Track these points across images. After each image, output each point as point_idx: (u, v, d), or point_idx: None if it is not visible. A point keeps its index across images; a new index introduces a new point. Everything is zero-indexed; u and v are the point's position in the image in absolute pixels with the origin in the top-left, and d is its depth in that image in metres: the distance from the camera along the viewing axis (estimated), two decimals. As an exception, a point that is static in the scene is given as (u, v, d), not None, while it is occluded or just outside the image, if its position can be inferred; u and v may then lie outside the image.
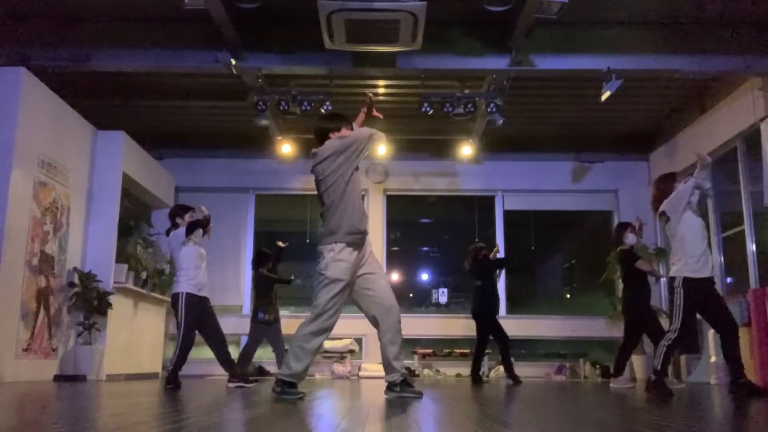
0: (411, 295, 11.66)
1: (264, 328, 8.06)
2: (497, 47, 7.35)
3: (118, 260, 8.35)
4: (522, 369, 10.12)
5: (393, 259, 11.18)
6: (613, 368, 6.69)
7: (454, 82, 8.55)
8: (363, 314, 4.36)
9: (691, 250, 5.04)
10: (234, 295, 10.61)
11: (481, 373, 7.96)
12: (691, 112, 9.41)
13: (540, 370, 10.29)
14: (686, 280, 5.03)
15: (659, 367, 5.04)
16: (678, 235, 5.12)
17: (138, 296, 8.83)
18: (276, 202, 11.21)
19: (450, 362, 10.17)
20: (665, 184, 5.36)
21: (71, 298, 7.66)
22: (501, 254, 9.75)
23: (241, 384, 6.04)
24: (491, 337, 7.93)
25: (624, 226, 6.64)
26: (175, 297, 5.90)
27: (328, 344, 9.63)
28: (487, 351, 9.68)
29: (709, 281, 5.09)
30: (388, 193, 11.00)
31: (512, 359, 7.87)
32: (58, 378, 7.35)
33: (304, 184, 10.86)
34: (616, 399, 4.59)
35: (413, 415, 3.04)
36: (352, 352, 10.07)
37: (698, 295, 5.04)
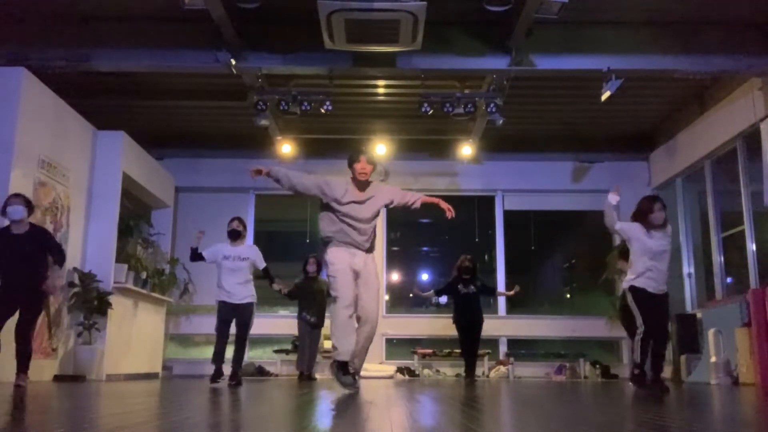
0: (411, 295, 11.65)
1: (304, 326, 8.44)
2: (497, 47, 7.35)
3: (118, 260, 8.35)
4: (522, 369, 10.17)
5: (393, 259, 11.17)
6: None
7: (454, 82, 8.55)
8: None
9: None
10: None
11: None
12: (691, 112, 9.41)
13: (540, 370, 10.28)
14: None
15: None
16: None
17: (138, 296, 8.83)
18: (276, 202, 11.19)
19: (450, 362, 10.16)
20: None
21: (71, 298, 7.65)
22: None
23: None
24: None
25: None
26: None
27: (327, 344, 9.61)
28: (487, 351, 9.76)
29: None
30: (388, 193, 10.97)
31: None
32: (57, 378, 7.34)
33: (304, 184, 10.85)
34: (616, 399, 4.59)
35: (413, 415, 3.05)
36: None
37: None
